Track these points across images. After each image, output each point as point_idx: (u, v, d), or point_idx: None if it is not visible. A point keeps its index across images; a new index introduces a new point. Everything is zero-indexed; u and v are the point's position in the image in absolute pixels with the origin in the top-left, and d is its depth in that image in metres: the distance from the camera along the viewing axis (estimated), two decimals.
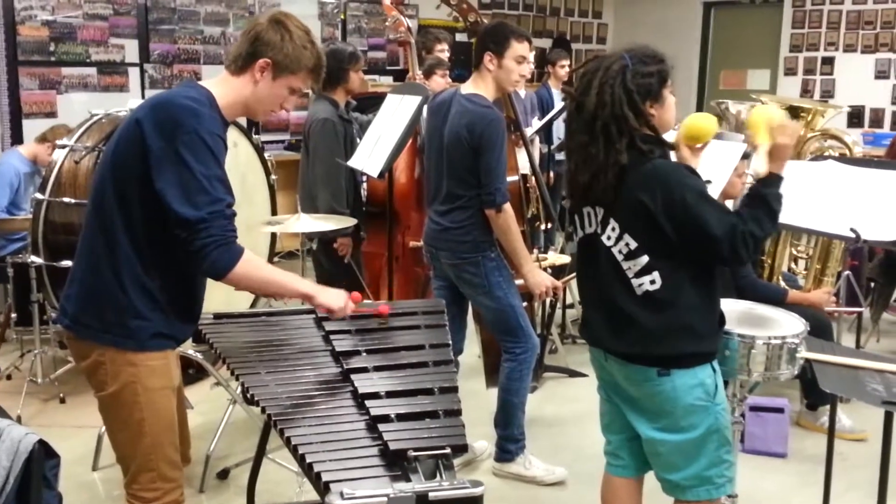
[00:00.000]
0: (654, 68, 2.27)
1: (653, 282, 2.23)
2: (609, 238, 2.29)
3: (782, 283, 4.40)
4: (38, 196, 4.21)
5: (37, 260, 4.16)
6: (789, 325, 2.64)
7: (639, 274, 2.24)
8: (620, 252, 2.26)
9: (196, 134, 2.04)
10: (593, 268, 2.36)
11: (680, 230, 2.18)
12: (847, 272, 3.80)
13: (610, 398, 2.50)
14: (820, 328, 3.57)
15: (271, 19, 2.21)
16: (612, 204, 2.26)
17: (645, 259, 2.23)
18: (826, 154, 4.25)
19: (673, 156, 2.41)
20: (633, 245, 2.24)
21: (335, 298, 2.29)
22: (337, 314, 2.32)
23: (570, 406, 4.34)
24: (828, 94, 9.39)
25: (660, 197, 2.18)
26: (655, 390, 2.28)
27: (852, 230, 3.31)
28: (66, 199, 4.13)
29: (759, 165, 2.30)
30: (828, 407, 3.53)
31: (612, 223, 2.27)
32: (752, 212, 2.22)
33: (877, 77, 9.09)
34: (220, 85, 2.22)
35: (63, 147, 4.28)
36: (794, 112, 4.40)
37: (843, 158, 3.90)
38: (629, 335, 2.28)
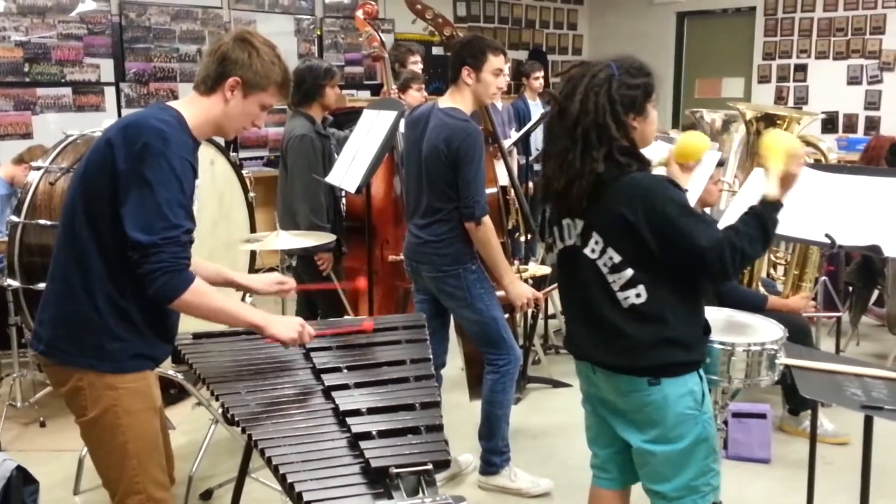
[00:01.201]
0: (640, 81, 2.25)
1: (638, 295, 2.21)
2: (593, 251, 2.26)
3: (761, 289, 4.43)
4: (14, 218, 4.17)
5: (13, 283, 4.12)
6: (768, 332, 2.65)
7: (624, 287, 2.22)
8: (605, 265, 2.24)
9: (163, 157, 2.03)
10: (576, 280, 2.33)
11: (664, 243, 2.16)
12: (824, 277, 3.84)
13: (596, 411, 2.48)
14: (799, 333, 3.60)
15: (236, 38, 2.21)
16: (592, 216, 2.24)
17: (630, 272, 2.21)
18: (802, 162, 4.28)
19: (661, 171, 2.40)
20: (618, 259, 2.21)
21: (286, 329, 2.24)
22: (289, 345, 2.28)
23: (554, 417, 4.34)
24: (801, 100, 9.49)
25: (640, 210, 2.16)
26: (646, 400, 2.26)
27: (827, 236, 3.34)
28: (41, 222, 4.09)
29: (773, 189, 2.27)
30: (809, 412, 3.55)
31: (595, 237, 2.25)
32: (749, 231, 2.19)
33: (849, 83, 9.20)
34: (190, 105, 2.21)
35: (38, 169, 4.24)
36: (771, 120, 4.45)
37: (817, 165, 3.93)
38: (618, 347, 2.25)
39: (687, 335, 2.26)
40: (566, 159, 2.23)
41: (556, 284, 4.46)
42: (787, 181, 2.28)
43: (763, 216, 2.23)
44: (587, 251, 2.27)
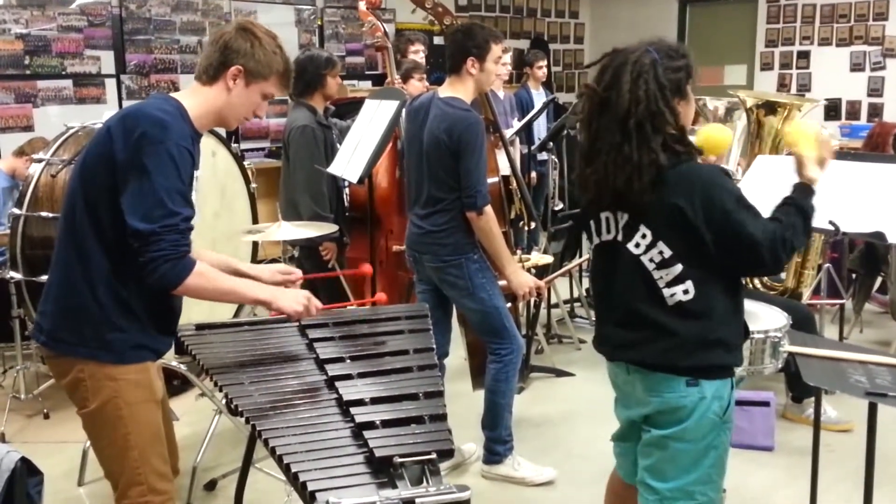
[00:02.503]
0: (681, 63, 2.16)
1: (686, 291, 2.11)
2: (638, 245, 2.15)
3: (764, 278, 4.43)
4: (16, 211, 4.17)
5: (16, 275, 4.13)
6: (772, 320, 2.65)
7: (671, 283, 2.11)
8: (652, 260, 2.13)
9: (162, 145, 2.03)
10: (612, 276, 2.23)
11: (719, 237, 2.07)
12: (828, 265, 3.83)
13: (623, 415, 2.38)
14: (803, 321, 3.59)
15: (238, 27, 2.21)
16: (643, 209, 2.12)
17: (679, 268, 2.10)
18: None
19: None
20: (668, 253, 2.10)
21: (292, 302, 2.26)
22: (295, 318, 2.30)
23: (557, 406, 4.34)
24: (804, 87, 9.46)
25: (699, 202, 2.05)
26: (682, 402, 2.16)
27: (831, 223, 3.33)
28: (43, 214, 4.09)
29: (815, 173, 2.24)
30: (813, 399, 3.55)
31: (643, 230, 2.13)
32: (793, 220, 2.14)
33: (852, 70, 9.16)
34: (192, 96, 2.21)
35: (39, 161, 4.24)
36: (772, 107, 4.43)
37: None
38: (660, 346, 2.15)
39: (729, 336, 2.18)
40: (621, 154, 2.09)
41: (558, 273, 4.49)
42: (822, 168, 2.26)
43: (805, 206, 2.19)
44: (630, 246, 2.16)
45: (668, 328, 2.13)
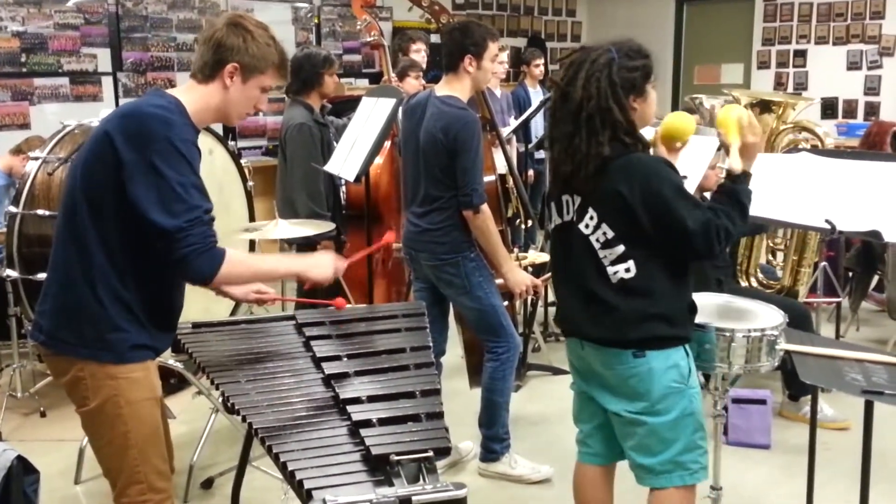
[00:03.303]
0: (639, 63, 2.32)
1: (627, 270, 2.28)
2: (587, 226, 2.33)
3: (760, 276, 4.43)
4: (12, 209, 4.16)
5: (12, 273, 4.12)
6: (768, 318, 2.65)
7: (614, 262, 2.29)
8: (598, 241, 2.31)
9: (168, 142, 2.02)
10: (568, 255, 2.41)
11: (656, 222, 2.23)
12: (824, 263, 3.83)
13: (582, 388, 2.55)
14: (799, 319, 3.60)
15: (229, 23, 2.18)
16: (592, 193, 2.30)
17: (621, 248, 2.28)
18: (800, 146, 4.28)
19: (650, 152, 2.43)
20: (611, 234, 2.28)
21: (324, 271, 2.34)
22: (328, 281, 2.37)
23: (554, 404, 4.34)
24: (801, 86, 9.46)
25: (638, 189, 2.22)
26: (632, 373, 2.32)
27: (827, 221, 3.33)
28: (39, 212, 4.09)
29: (735, 163, 2.35)
30: (809, 397, 3.56)
31: (591, 212, 2.31)
32: (725, 208, 2.29)
33: (849, 68, 9.17)
34: (188, 93, 2.19)
35: (36, 159, 4.24)
36: (766, 105, 4.44)
37: (816, 150, 3.92)
38: (605, 320, 2.33)
39: (671, 310, 2.32)
40: (572, 144, 2.30)
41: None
42: (747, 152, 2.36)
43: (735, 190, 2.32)
44: (581, 226, 2.34)
45: (612, 304, 2.31)
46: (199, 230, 2.03)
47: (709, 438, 2.90)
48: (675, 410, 2.33)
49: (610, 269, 2.30)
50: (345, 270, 2.48)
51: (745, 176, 2.35)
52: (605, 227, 2.29)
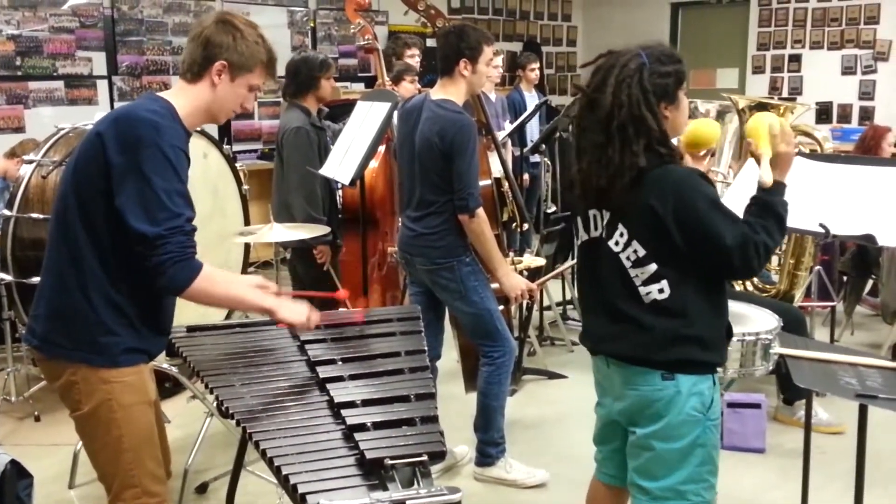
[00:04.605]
0: (671, 68, 2.18)
1: (661, 290, 2.15)
2: (617, 244, 2.19)
3: (755, 280, 4.44)
4: (6, 212, 4.16)
5: (6, 277, 4.11)
6: (763, 322, 2.66)
7: (647, 282, 2.16)
8: (628, 259, 2.17)
9: (157, 147, 2.02)
10: (597, 273, 2.27)
11: (690, 238, 2.10)
12: (818, 267, 3.84)
13: (605, 409, 2.41)
14: (794, 323, 3.60)
15: (218, 20, 2.18)
16: (622, 208, 2.17)
17: (653, 267, 2.14)
18: (796, 150, 4.28)
19: None
20: (642, 252, 2.15)
21: (297, 312, 2.24)
22: (299, 328, 2.28)
23: (549, 408, 4.34)
24: (796, 91, 9.49)
25: (671, 203, 2.09)
26: (657, 395, 2.19)
27: (821, 225, 3.34)
28: (33, 215, 4.08)
29: (766, 175, 2.23)
30: (804, 401, 3.56)
31: (621, 228, 2.18)
32: (762, 221, 2.15)
33: (843, 73, 9.20)
34: (179, 95, 2.19)
35: (30, 162, 4.23)
36: (763, 110, 4.44)
37: (812, 154, 3.93)
38: (636, 339, 2.19)
39: (706, 334, 2.19)
40: (605, 155, 2.15)
41: (550, 275, 4.49)
42: (781, 162, 2.24)
43: (771, 202, 2.19)
44: (611, 243, 2.21)
45: (645, 324, 2.17)
46: (177, 239, 2.02)
47: None
48: (687, 438, 2.19)
49: (642, 290, 2.16)
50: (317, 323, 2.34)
51: (780, 186, 2.21)
52: (636, 244, 2.15)
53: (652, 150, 2.13)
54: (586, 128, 2.22)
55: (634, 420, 2.27)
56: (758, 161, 2.27)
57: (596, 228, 2.27)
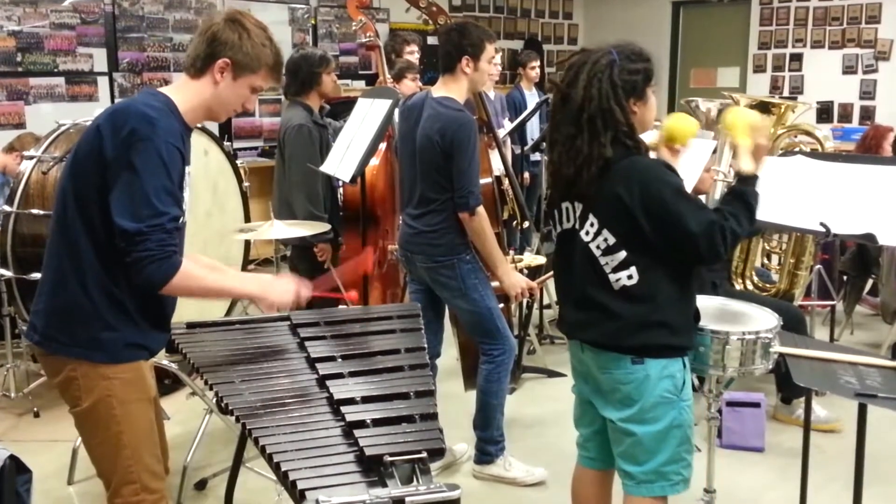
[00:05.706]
0: (640, 66, 2.30)
1: (630, 276, 2.25)
2: (587, 233, 2.30)
3: (755, 279, 4.44)
4: (6, 208, 4.15)
5: (6, 273, 4.11)
6: (762, 320, 2.65)
7: (616, 269, 2.26)
8: (598, 247, 2.28)
9: (150, 142, 2.01)
10: (570, 262, 2.39)
11: (657, 226, 2.20)
12: (818, 266, 3.83)
13: (582, 391, 2.53)
14: (794, 322, 3.60)
15: (227, 18, 2.17)
16: (592, 199, 2.28)
17: (623, 254, 2.25)
18: (797, 149, 4.28)
19: (653, 155, 2.42)
20: (612, 240, 2.26)
21: (284, 293, 2.26)
22: (287, 307, 2.30)
23: (549, 406, 4.34)
24: (797, 90, 9.48)
25: (637, 192, 2.20)
26: (628, 378, 2.31)
27: (822, 224, 3.33)
28: (34, 211, 4.08)
29: (746, 164, 2.35)
30: (802, 400, 3.56)
31: (591, 218, 2.29)
32: (733, 210, 2.26)
33: (844, 72, 9.19)
34: (181, 90, 2.18)
35: (31, 158, 4.23)
36: (765, 108, 4.44)
37: (812, 153, 3.93)
38: (606, 325, 2.31)
39: (674, 319, 2.30)
40: (574, 146, 2.27)
41: (550, 273, 4.49)
42: (757, 153, 2.36)
43: (743, 192, 2.31)
44: (582, 234, 2.32)
45: (614, 310, 2.28)
46: (158, 237, 2.01)
47: (703, 441, 2.92)
48: (663, 420, 2.31)
49: (612, 277, 2.27)
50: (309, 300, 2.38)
51: (754, 177, 2.34)
52: (605, 233, 2.26)
53: (619, 142, 2.25)
54: (559, 121, 2.34)
55: (608, 403, 2.39)
56: (736, 152, 2.39)
57: (569, 220, 2.38)
